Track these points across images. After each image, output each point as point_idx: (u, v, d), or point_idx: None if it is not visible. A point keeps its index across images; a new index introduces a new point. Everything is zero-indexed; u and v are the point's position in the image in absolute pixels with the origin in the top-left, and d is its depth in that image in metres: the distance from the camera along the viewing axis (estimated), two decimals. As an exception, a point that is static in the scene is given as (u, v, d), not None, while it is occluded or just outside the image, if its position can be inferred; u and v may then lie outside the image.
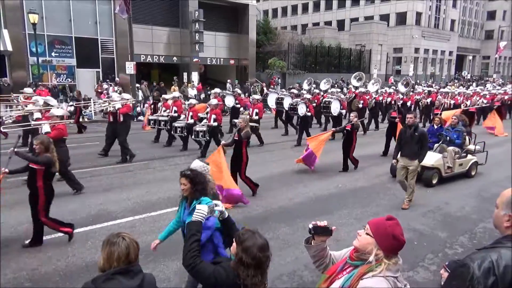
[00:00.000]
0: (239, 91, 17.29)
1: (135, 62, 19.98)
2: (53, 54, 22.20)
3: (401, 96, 16.94)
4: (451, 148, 9.28)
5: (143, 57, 27.02)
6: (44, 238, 5.78)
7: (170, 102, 13.66)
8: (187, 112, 12.47)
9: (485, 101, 18.70)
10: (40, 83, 18.48)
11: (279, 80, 31.38)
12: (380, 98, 18.16)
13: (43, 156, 5.43)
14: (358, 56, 40.18)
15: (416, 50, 49.79)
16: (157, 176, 9.37)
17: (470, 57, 60.00)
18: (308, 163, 9.64)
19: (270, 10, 61.29)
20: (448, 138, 9.39)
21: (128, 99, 11.49)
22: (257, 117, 13.17)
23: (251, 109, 13.71)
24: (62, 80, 22.32)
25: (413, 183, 7.39)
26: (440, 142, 9.43)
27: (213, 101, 12.26)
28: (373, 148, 12.68)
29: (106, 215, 6.73)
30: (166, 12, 28.02)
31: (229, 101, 15.92)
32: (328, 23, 53.08)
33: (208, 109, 12.37)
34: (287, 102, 15.41)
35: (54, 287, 4.59)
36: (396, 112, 12.43)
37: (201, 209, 2.72)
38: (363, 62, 40.21)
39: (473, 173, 9.83)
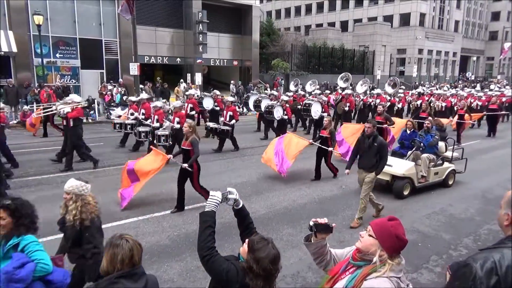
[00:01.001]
0: (217, 93, 16.09)
1: (138, 63, 20.04)
2: (57, 55, 22.33)
3: (388, 97, 16.32)
4: (425, 155, 8.50)
5: (146, 58, 27.14)
6: (46, 239, 5.80)
7: (157, 106, 12.20)
8: (153, 116, 11.47)
9: (479, 103, 18.10)
10: (45, 84, 18.56)
11: (283, 81, 31.39)
12: (370, 99, 17.11)
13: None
14: (362, 57, 40.15)
15: (420, 51, 49.68)
16: (162, 177, 9.38)
17: (474, 58, 59.82)
18: (281, 170, 8.85)
19: (273, 11, 61.34)
20: (422, 144, 8.61)
21: (78, 102, 10.46)
22: (233, 121, 12.40)
23: (224, 112, 12.93)
24: (67, 81, 22.43)
25: (366, 198, 6.64)
26: (414, 149, 8.71)
27: (177, 103, 11.60)
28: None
29: (110, 216, 6.74)
30: (170, 13, 28.14)
31: (208, 103, 14.92)
32: (332, 24, 53.05)
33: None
34: (264, 105, 14.72)
35: None
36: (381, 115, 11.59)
37: (215, 196, 2.58)
38: (366, 63, 40.17)
39: (450, 182, 9.05)
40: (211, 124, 12.78)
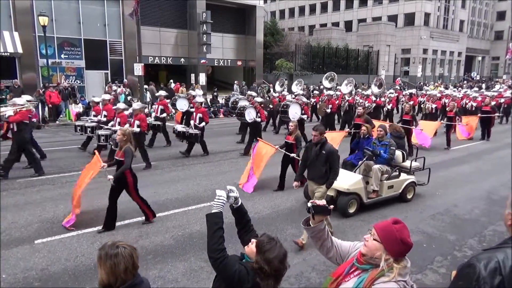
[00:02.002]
0: (193, 93, 15.04)
1: (143, 64, 20.08)
2: (62, 56, 22.45)
3: (374, 98, 15.41)
4: (376, 166, 7.38)
5: (151, 58, 27.22)
6: (53, 238, 5.85)
7: (119, 108, 10.92)
8: (116, 118, 10.57)
9: (474, 104, 17.11)
10: (51, 84, 18.66)
11: (286, 81, 31.39)
12: (356, 100, 16.35)
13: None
14: (366, 57, 40.05)
15: (425, 51, 49.47)
16: (165, 177, 9.42)
17: (480, 58, 59.51)
18: (246, 188, 8.39)
19: (277, 11, 61.33)
20: (372, 153, 7.44)
21: (23, 105, 9.33)
22: (203, 124, 11.41)
23: (194, 114, 11.90)
24: (72, 81, 22.54)
25: None
26: (364, 159, 7.65)
27: (137, 104, 10.77)
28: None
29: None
30: (174, 14, 28.21)
31: (182, 105, 14.06)
32: (336, 24, 52.96)
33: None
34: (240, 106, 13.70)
35: (63, 287, 4.63)
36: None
37: (221, 196, 2.56)
38: (370, 63, 40.06)
39: (409, 196, 7.90)
40: (179, 128, 11.86)
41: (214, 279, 2.61)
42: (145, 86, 22.30)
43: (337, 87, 20.02)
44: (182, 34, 28.70)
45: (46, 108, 17.49)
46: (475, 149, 13.64)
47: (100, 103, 11.90)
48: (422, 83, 38.94)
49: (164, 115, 13.04)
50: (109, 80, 23.53)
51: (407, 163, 8.07)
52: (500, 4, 62.01)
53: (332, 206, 2.40)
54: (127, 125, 9.57)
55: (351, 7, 53.79)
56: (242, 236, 2.78)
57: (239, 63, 32.42)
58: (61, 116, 18.58)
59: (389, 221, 2.12)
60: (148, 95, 21.93)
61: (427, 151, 12.68)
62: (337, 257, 2.43)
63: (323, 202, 2.35)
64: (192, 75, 27.81)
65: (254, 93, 16.53)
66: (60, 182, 8.73)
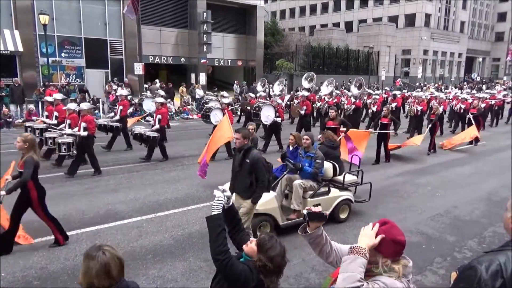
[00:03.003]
0: (161, 93, 14.29)
1: (143, 63, 20.12)
2: (62, 54, 22.46)
3: (353, 100, 14.39)
4: (297, 182, 6.23)
5: (151, 58, 27.23)
6: (52, 237, 5.83)
7: (70, 109, 10.15)
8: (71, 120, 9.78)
9: (463, 107, 16.11)
10: (51, 83, 18.66)
11: (287, 81, 31.38)
12: (341, 101, 15.62)
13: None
14: (366, 58, 40.05)
15: (425, 52, 49.45)
16: (165, 177, 9.41)
17: (480, 59, 59.51)
18: (200, 172, 8.09)
19: (278, 11, 61.33)
20: (294, 167, 6.27)
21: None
22: (157, 126, 10.82)
23: (154, 115, 11.25)
24: (72, 80, 22.55)
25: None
26: (285, 173, 6.48)
27: (85, 105, 9.91)
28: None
29: (114, 215, 6.76)
30: (175, 13, 28.22)
31: (148, 105, 13.16)
32: (336, 25, 52.94)
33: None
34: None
35: (62, 287, 4.62)
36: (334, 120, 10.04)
37: (220, 197, 2.58)
38: (371, 64, 40.06)
39: (342, 216, 6.69)
40: (137, 129, 10.86)
41: (213, 279, 2.60)
42: (145, 85, 22.33)
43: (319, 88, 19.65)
44: (183, 33, 28.70)
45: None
46: (475, 150, 13.63)
47: (53, 103, 11.15)
48: (422, 84, 38.89)
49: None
50: (109, 79, 23.54)
51: (340, 177, 6.84)
52: (500, 5, 61.99)
53: (327, 213, 2.38)
54: (75, 129, 9.19)
55: (352, 8, 53.77)
56: (233, 235, 2.81)
57: (240, 63, 32.43)
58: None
59: (379, 224, 2.08)
60: (149, 94, 21.91)
61: (425, 153, 12.69)
62: (337, 261, 2.41)
63: (318, 209, 2.33)
64: (193, 75, 27.80)
65: (225, 93, 15.79)
66: (57, 181, 8.71)
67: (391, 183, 9.26)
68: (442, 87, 37.82)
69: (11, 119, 16.05)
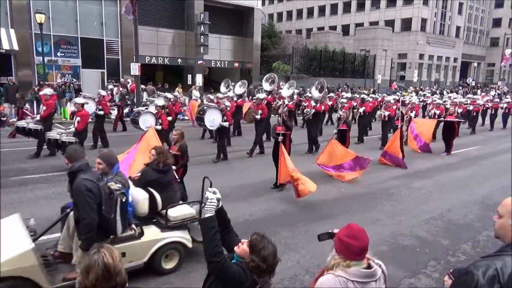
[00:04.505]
0: (103, 93, 13.36)
1: (139, 64, 20.02)
2: (58, 54, 22.35)
3: (313, 104, 13.14)
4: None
5: (147, 58, 27.17)
6: (45, 237, 5.77)
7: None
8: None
9: (437, 112, 15.29)
10: (46, 82, 18.58)
11: (283, 84, 31.43)
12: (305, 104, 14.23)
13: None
14: (363, 61, 40.23)
15: (421, 56, 49.78)
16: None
17: (475, 64, 59.97)
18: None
19: (275, 14, 61.51)
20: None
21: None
22: (72, 128, 10.07)
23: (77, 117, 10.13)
24: (67, 80, 22.45)
25: None
26: (68, 210, 4.44)
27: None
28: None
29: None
30: (172, 14, 28.20)
31: (91, 108, 12.33)
32: (333, 28, 53.17)
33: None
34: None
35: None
36: (282, 125, 8.91)
37: (213, 199, 2.57)
38: (367, 67, 40.25)
39: (168, 266, 4.95)
40: (20, 123, 10.01)
41: (204, 281, 2.60)
42: (142, 86, 22.22)
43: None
44: (180, 34, 28.68)
45: (41, 106, 17.39)
46: (470, 154, 13.70)
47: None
48: (417, 88, 39.07)
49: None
50: (105, 79, 23.46)
51: (171, 212, 5.01)
52: (496, 11, 62.61)
53: (336, 231, 2.39)
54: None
55: (349, 11, 54.04)
56: (223, 237, 2.78)
57: (236, 64, 32.43)
58: (56, 114, 18.46)
59: (343, 227, 2.28)
60: (145, 95, 21.86)
61: (422, 155, 12.75)
62: None
63: (336, 230, 2.37)
64: (189, 76, 27.77)
65: (170, 95, 14.19)
66: (53, 181, 8.65)
67: (386, 187, 9.28)
68: (438, 91, 38.03)
69: (5, 118, 15.94)
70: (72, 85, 21.17)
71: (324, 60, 37.67)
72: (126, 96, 19.34)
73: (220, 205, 2.73)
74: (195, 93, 22.35)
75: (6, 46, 19.39)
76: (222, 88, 18.24)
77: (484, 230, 6.76)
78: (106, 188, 3.87)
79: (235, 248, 2.54)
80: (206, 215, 2.50)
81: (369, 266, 2.19)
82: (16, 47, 19.71)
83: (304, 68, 35.61)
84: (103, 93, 13.36)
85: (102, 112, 12.38)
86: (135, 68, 19.36)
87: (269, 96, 15.09)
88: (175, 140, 7.07)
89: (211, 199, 2.58)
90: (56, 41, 22.23)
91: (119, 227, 4.02)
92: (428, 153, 12.95)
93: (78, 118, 9.79)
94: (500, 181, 9.98)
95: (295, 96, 16.42)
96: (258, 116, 12.27)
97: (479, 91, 37.62)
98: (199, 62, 28.18)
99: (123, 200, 4.03)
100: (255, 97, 13.99)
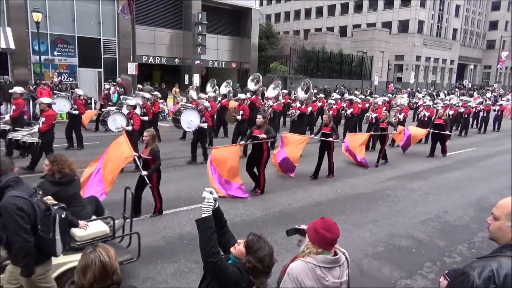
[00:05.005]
0: (79, 92, 12.59)
1: (137, 63, 20.02)
2: (55, 53, 22.24)
3: (298, 105, 12.76)
4: None
5: (145, 58, 27.11)
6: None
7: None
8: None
9: (427, 114, 15.02)
10: (43, 81, 18.48)
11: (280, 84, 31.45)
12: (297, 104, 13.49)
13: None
14: (360, 63, 40.31)
15: (418, 58, 49.95)
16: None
17: (472, 66, 60.24)
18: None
19: (273, 14, 61.55)
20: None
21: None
22: (34, 129, 9.42)
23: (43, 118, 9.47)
24: (64, 79, 22.36)
25: None
26: None
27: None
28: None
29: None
30: (169, 14, 28.17)
31: (61, 106, 11.83)
32: (331, 29, 53.25)
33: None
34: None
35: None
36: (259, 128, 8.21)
37: (210, 199, 2.56)
38: (364, 68, 40.33)
39: None
40: (12, 135, 8.78)
41: (201, 282, 2.59)
42: (139, 86, 22.19)
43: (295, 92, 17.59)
44: (177, 34, 28.65)
45: (38, 105, 17.30)
46: (466, 156, 13.76)
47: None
48: (414, 90, 39.21)
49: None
50: (102, 78, 23.38)
51: (77, 231, 4.13)
52: (492, 14, 62.98)
53: (303, 226, 2.64)
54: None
55: (346, 13, 54.13)
56: (219, 237, 2.78)
57: (234, 65, 32.42)
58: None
59: (318, 219, 2.52)
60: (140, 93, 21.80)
61: (419, 156, 12.81)
62: None
63: (304, 226, 2.62)
64: (186, 76, 27.74)
65: (147, 95, 13.45)
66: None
67: (383, 188, 9.30)
68: (434, 93, 38.18)
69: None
70: (68, 84, 21.13)
71: (322, 61, 37.73)
72: (122, 96, 19.31)
73: (217, 205, 2.72)
74: (192, 93, 22.28)
75: (2, 44, 19.26)
76: (208, 88, 17.85)
77: (479, 231, 6.79)
78: (41, 204, 3.35)
79: (231, 249, 2.53)
80: (203, 215, 2.49)
81: (335, 253, 2.45)
82: (12, 46, 19.59)
83: (301, 69, 35.65)
84: (79, 92, 12.82)
85: (76, 112, 11.82)
86: (132, 68, 19.37)
87: (253, 96, 14.78)
88: (146, 143, 6.61)
89: (207, 199, 2.56)
90: (53, 40, 22.12)
91: (59, 247, 3.47)
92: (423, 155, 13.02)
93: (43, 119, 9.14)
94: (496, 183, 10.04)
95: (280, 97, 15.71)
96: (239, 117, 11.79)
97: (475, 93, 37.78)
98: (197, 62, 28.16)
99: (62, 216, 3.53)
100: (236, 97, 13.52)
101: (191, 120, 10.52)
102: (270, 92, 15.68)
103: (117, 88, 19.94)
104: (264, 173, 8.31)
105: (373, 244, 6.00)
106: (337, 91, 28.77)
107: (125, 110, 10.70)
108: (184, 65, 29.18)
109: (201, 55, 28.09)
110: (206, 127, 10.78)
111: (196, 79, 27.09)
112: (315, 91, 22.16)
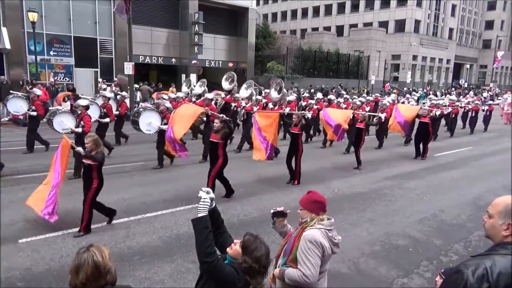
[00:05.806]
0: (38, 92, 11.93)
1: (133, 63, 19.95)
2: (51, 53, 22.17)
3: (271, 106, 12.15)
4: None
5: (141, 58, 27.05)
6: (37, 237, 5.75)
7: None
8: None
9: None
10: (39, 81, 18.42)
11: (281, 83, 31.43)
12: (256, 107, 13.08)
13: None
14: (357, 62, 40.37)
15: (414, 57, 50.09)
16: (154, 178, 9.34)
17: (468, 66, 60.47)
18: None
19: (269, 14, 61.55)
20: None
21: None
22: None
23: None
24: (60, 79, 22.29)
25: None
26: None
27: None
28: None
29: (101, 216, 6.67)
30: (166, 14, 28.10)
31: (17, 107, 11.43)
32: (327, 29, 53.31)
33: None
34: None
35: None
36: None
37: (206, 199, 2.55)
38: (361, 68, 40.38)
39: None
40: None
41: (197, 282, 2.58)
42: (136, 85, 22.15)
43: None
44: (174, 34, 28.59)
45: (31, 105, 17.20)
46: (463, 155, 13.82)
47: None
48: (410, 89, 39.31)
49: None
50: (99, 78, 23.32)
51: None
52: (488, 13, 63.25)
53: (288, 211, 3.31)
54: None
55: (343, 12, 54.20)
56: (216, 237, 2.76)
57: (231, 64, 32.39)
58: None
59: (305, 194, 3.14)
60: (139, 94, 21.79)
61: (414, 159, 12.82)
62: None
63: (281, 208, 3.31)
64: (183, 76, 27.70)
65: (108, 94, 12.84)
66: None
67: (379, 187, 9.32)
68: (431, 92, 38.28)
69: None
70: (64, 84, 21.05)
71: (318, 61, 37.76)
72: (118, 96, 19.26)
73: (213, 205, 2.72)
74: (198, 89, 22.18)
75: (-2, 44, 19.23)
76: (184, 88, 17.40)
77: (476, 230, 6.81)
78: None
79: (228, 249, 2.53)
80: (199, 215, 2.48)
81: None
82: (8, 46, 19.52)
83: (298, 69, 35.67)
84: (38, 92, 11.93)
85: (35, 113, 11.11)
86: (129, 68, 19.30)
87: (228, 96, 14.29)
88: (89, 149, 5.83)
89: (204, 198, 2.55)
90: (49, 40, 22.06)
91: None
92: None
93: (82, 123, 8.87)
94: (492, 182, 10.09)
95: (253, 97, 14.68)
96: (205, 118, 10.79)
97: (471, 92, 37.93)
98: (193, 62, 28.12)
99: None
100: (203, 97, 12.47)
101: (150, 122, 9.89)
102: (243, 92, 14.87)
103: (114, 88, 19.89)
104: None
105: (370, 243, 6.02)
106: (333, 91, 28.79)
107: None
108: (181, 65, 29.14)
109: (198, 55, 28.05)
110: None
111: (193, 79, 27.04)
112: (313, 90, 22.25)
